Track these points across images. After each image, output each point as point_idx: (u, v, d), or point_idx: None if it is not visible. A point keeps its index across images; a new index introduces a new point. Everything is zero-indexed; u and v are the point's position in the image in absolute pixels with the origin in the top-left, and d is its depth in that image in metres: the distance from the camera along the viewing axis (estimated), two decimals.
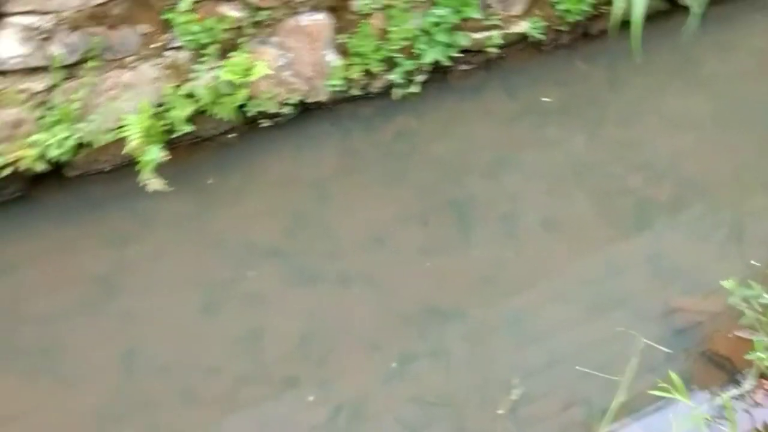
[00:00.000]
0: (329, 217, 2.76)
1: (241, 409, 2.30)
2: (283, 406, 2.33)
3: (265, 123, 2.86)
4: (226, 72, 2.54)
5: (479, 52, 3.08)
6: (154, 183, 2.47)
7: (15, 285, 2.50)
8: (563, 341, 2.48)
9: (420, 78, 3.01)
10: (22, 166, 2.46)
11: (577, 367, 2.36)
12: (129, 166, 2.65)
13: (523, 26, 3.07)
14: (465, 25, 2.98)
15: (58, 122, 2.43)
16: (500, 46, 3.07)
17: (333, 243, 2.70)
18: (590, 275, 2.66)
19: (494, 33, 3.02)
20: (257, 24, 2.63)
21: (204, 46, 2.55)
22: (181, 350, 2.41)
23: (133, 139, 2.40)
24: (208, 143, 2.80)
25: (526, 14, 3.05)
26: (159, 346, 2.41)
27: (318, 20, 2.75)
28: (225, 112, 2.66)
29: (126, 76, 2.50)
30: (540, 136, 3.05)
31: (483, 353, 2.46)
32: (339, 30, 2.82)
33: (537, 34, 3.11)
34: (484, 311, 2.56)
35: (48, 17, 2.30)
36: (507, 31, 3.06)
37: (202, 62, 2.57)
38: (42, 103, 2.42)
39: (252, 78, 2.58)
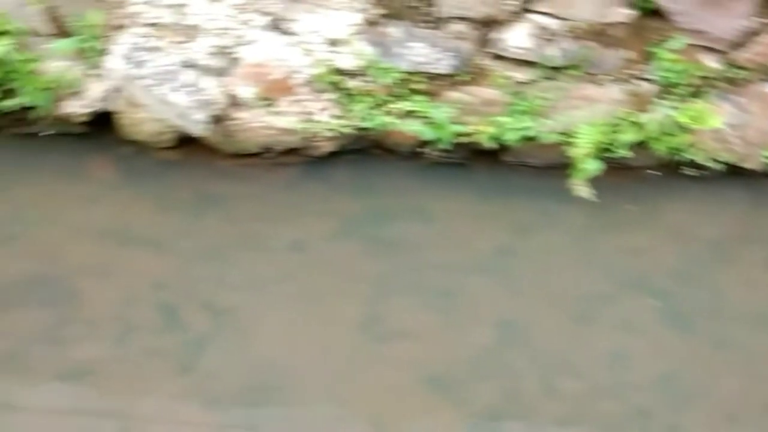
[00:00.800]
0: (719, 278, 2.77)
1: (590, 417, 2.44)
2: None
3: (688, 171, 2.93)
4: (681, 114, 2.65)
5: None
6: (582, 190, 2.70)
7: (428, 234, 2.86)
8: None
9: None
10: (476, 139, 2.82)
11: None
12: (554, 168, 2.89)
13: None
14: None
15: (522, 112, 2.74)
16: None
17: (716, 303, 2.71)
18: None
19: None
20: (728, 80, 2.70)
21: (673, 85, 2.68)
22: (550, 343, 2.61)
23: (580, 147, 2.65)
24: (629, 172, 2.93)
25: None
26: (531, 330, 2.63)
27: None
28: (661, 149, 2.78)
29: (593, 90, 2.72)
30: None
31: None
32: None
33: None
34: None
35: (561, 22, 2.59)
36: None
37: (664, 99, 2.70)
38: (517, 93, 2.74)
39: (701, 127, 2.66)
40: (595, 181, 2.80)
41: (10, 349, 2.52)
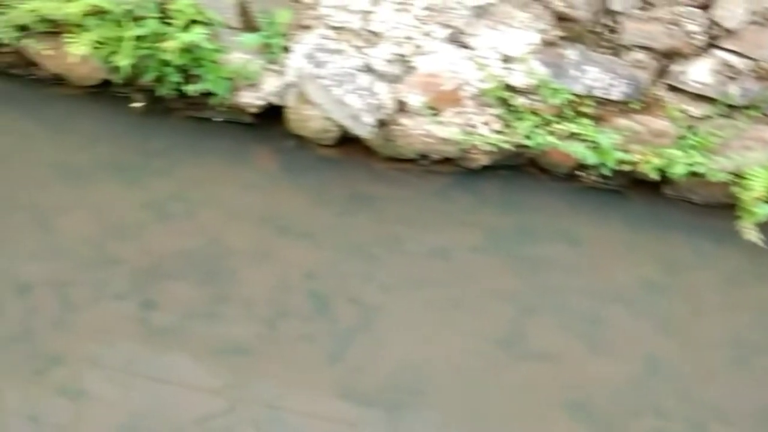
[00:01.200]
0: None
1: None
2: None
3: None
4: None
5: None
6: (751, 233, 2.65)
7: (574, 258, 2.84)
8: None
9: None
10: (639, 168, 2.79)
11: None
12: (714, 207, 2.85)
13: None
14: None
15: (692, 147, 2.70)
16: None
17: None
18: None
19: None
20: None
21: None
22: (700, 386, 2.55)
23: (753, 189, 2.58)
24: None
25: None
26: (680, 369, 2.58)
27: None
28: None
29: None
30: None
31: None
32: None
33: None
34: None
35: (746, 62, 2.54)
36: None
37: None
38: (689, 127, 2.70)
39: None
40: (759, 226, 2.72)
41: (167, 321, 2.67)
